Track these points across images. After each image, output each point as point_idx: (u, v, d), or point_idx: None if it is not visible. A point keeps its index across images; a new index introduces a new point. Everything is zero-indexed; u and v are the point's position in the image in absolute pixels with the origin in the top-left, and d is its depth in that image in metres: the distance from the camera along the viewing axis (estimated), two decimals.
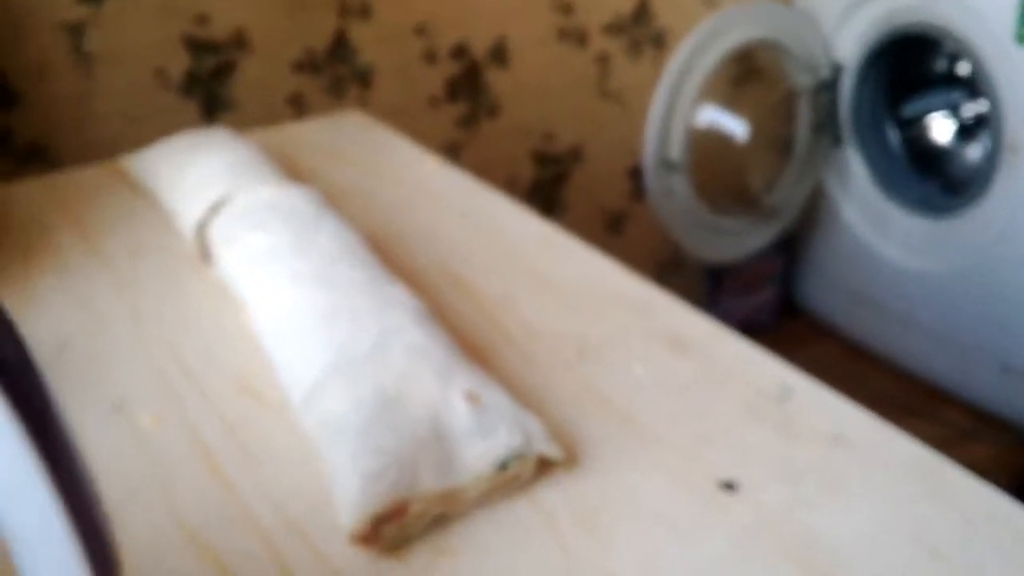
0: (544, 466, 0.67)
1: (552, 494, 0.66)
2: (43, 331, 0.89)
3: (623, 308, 0.84)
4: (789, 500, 0.65)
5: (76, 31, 1.70)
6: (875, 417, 0.72)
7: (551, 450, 0.66)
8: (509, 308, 0.85)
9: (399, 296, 0.75)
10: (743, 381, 0.75)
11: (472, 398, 0.66)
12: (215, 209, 0.92)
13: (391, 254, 0.95)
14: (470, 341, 0.80)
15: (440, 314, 0.83)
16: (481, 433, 0.65)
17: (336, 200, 1.09)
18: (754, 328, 2.43)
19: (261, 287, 0.80)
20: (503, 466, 0.65)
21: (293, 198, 0.90)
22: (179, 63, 1.78)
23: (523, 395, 0.73)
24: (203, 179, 0.98)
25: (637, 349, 0.78)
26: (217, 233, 0.90)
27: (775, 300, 2.45)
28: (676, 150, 2.04)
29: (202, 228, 0.93)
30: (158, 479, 0.70)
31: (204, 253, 0.94)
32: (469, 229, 1.00)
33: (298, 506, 0.66)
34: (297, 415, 0.69)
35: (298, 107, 1.90)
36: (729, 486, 0.66)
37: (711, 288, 2.38)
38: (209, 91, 1.82)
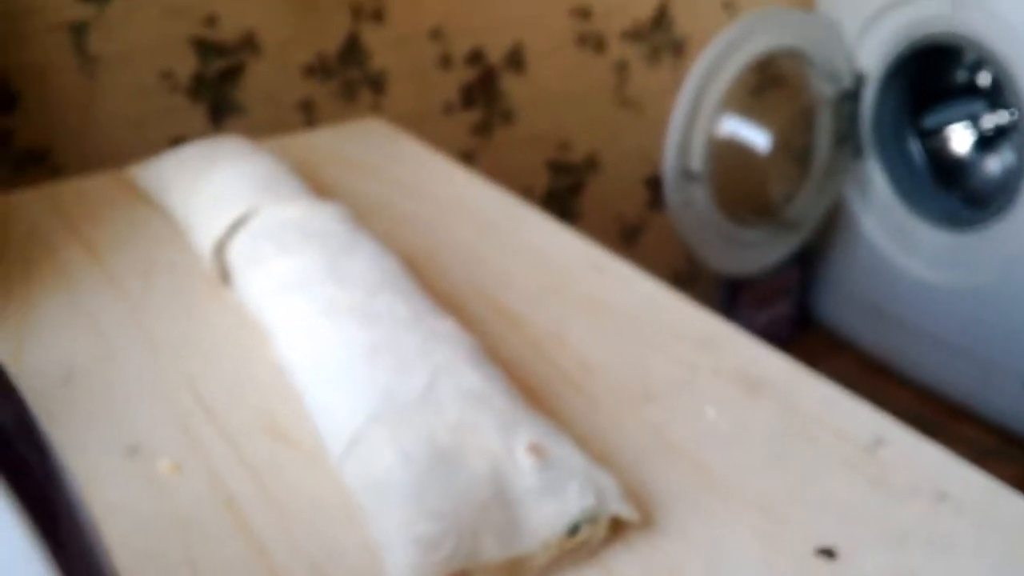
0: (616, 527, 0.59)
1: (626, 560, 0.57)
2: (48, 358, 0.80)
3: (687, 343, 0.75)
4: (895, 568, 0.57)
5: (79, 31, 1.61)
6: (980, 471, 0.63)
7: (626, 510, 0.58)
8: (561, 341, 0.76)
9: (449, 331, 0.66)
10: (828, 427, 0.66)
11: (538, 452, 0.57)
12: (236, 226, 0.83)
13: (428, 279, 0.86)
14: (522, 380, 0.71)
15: (483, 344, 0.75)
16: (549, 492, 0.56)
17: (363, 217, 1.00)
18: (771, 341, 2.34)
19: (291, 318, 0.71)
20: (574, 530, 0.56)
21: (323, 216, 0.81)
22: (186, 65, 1.70)
23: (587, 443, 0.64)
24: (221, 193, 0.89)
25: (707, 390, 0.70)
26: (238, 253, 0.82)
27: (792, 313, 2.36)
28: (697, 160, 1.96)
29: (221, 247, 0.84)
30: (177, 534, 0.61)
31: (223, 274, 0.85)
32: (511, 251, 0.92)
33: (338, 571, 0.58)
34: (336, 467, 0.61)
35: (308, 112, 1.81)
36: (828, 553, 0.58)
37: (727, 301, 2.29)
38: (217, 94, 1.73)
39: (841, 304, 2.32)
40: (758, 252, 2.15)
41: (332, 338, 0.66)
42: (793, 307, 2.36)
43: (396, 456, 0.57)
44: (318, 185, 1.09)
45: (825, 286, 2.36)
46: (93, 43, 1.62)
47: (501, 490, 0.56)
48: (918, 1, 1.92)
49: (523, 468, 0.57)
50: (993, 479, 0.63)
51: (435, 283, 0.86)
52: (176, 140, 1.71)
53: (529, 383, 0.72)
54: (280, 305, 0.73)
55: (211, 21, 1.69)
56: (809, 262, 2.37)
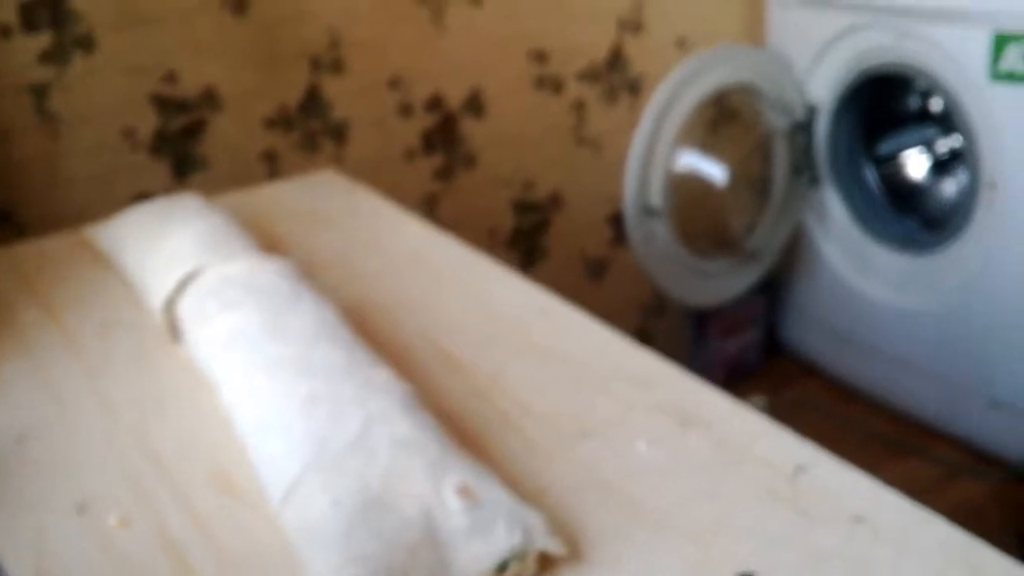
0: (546, 563, 0.61)
1: None
2: (3, 420, 0.82)
3: (625, 382, 0.78)
4: None
5: (41, 92, 1.64)
6: (899, 495, 0.66)
7: (553, 546, 0.60)
8: (503, 386, 0.79)
9: (384, 380, 0.69)
10: (754, 457, 0.69)
11: (466, 493, 0.60)
12: (184, 285, 0.86)
13: (375, 328, 0.89)
14: (462, 423, 0.74)
15: (430, 394, 0.77)
16: (478, 532, 0.58)
17: (314, 270, 1.03)
18: (740, 369, 2.38)
19: (233, 374, 0.73)
20: (503, 567, 0.58)
21: (267, 272, 0.84)
22: (148, 122, 1.73)
23: (521, 482, 0.67)
24: (172, 253, 0.92)
25: (641, 425, 0.72)
26: (186, 311, 0.84)
27: (760, 341, 2.40)
28: (656, 196, 1.99)
29: (171, 305, 0.87)
30: None
31: (174, 331, 0.87)
32: (458, 298, 0.94)
33: None
34: (276, 515, 0.63)
35: (271, 163, 1.84)
36: None
37: (696, 331, 2.33)
38: (179, 150, 1.76)
39: (808, 330, 2.36)
40: (722, 283, 2.19)
41: (271, 391, 0.69)
42: (761, 334, 2.40)
43: (328, 503, 0.59)
44: (272, 239, 1.12)
45: (791, 313, 2.39)
46: (55, 103, 1.65)
47: (431, 532, 0.58)
48: (863, 33, 1.97)
49: (452, 509, 0.59)
50: (913, 502, 0.65)
51: (384, 333, 0.88)
52: (140, 196, 1.73)
53: (469, 426, 0.74)
54: (223, 361, 0.75)
55: (171, 78, 1.72)
56: (774, 290, 2.40)
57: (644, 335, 2.36)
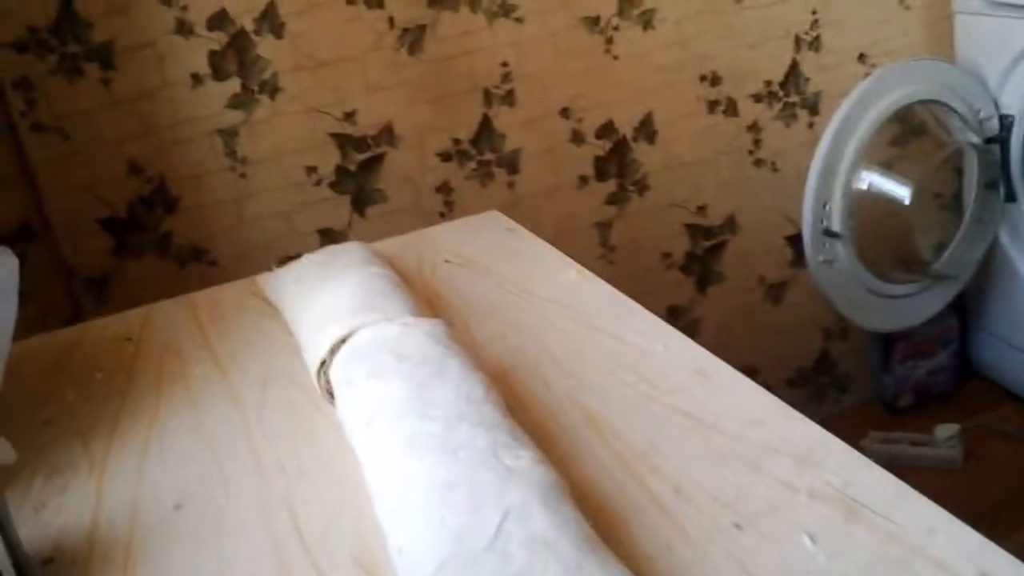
0: None
1: None
2: (166, 481, 0.81)
3: (787, 458, 0.70)
4: None
5: (230, 135, 1.67)
6: None
7: None
8: (654, 460, 0.72)
9: (525, 467, 0.63)
10: (929, 558, 0.60)
11: None
12: (336, 347, 0.83)
13: (522, 390, 0.84)
14: (607, 506, 0.67)
15: (575, 468, 0.71)
16: None
17: (468, 322, 0.99)
18: (931, 394, 2.20)
19: (375, 450, 0.69)
20: None
21: (417, 336, 0.80)
22: (329, 159, 1.74)
23: None
24: (328, 310, 0.89)
25: (802, 515, 0.64)
26: (337, 376, 0.81)
27: (952, 364, 2.21)
28: (837, 218, 1.86)
29: (324, 367, 0.84)
30: None
31: (327, 392, 0.85)
32: (612, 356, 0.88)
33: None
34: None
35: (447, 194, 1.82)
36: None
37: (882, 355, 2.17)
38: (358, 185, 1.76)
39: (1003, 353, 2.16)
40: (909, 306, 2.03)
41: (410, 474, 0.64)
42: (953, 358, 2.21)
43: None
44: (431, 288, 1.08)
45: (985, 335, 2.20)
46: (242, 145, 1.68)
47: None
48: None
49: None
50: None
51: (531, 395, 0.83)
52: (323, 230, 1.75)
53: (616, 505, 0.68)
54: (365, 436, 0.71)
55: (350, 117, 1.72)
56: (967, 311, 2.22)
57: (826, 359, 2.22)
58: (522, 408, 0.80)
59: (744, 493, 0.67)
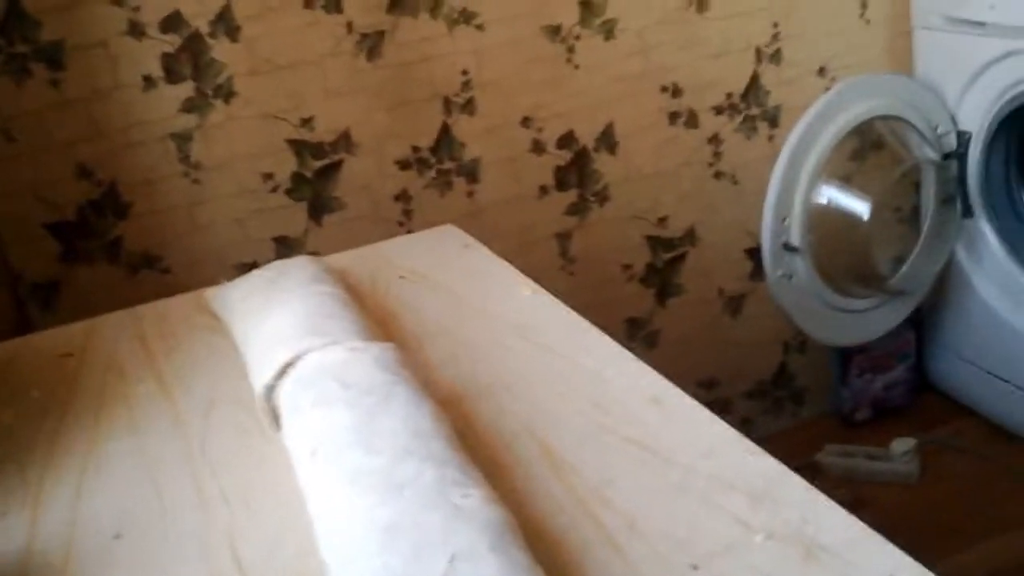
0: None
1: None
2: (103, 511, 0.78)
3: (742, 495, 0.68)
4: None
5: (183, 140, 1.63)
6: None
7: None
8: (607, 494, 0.70)
9: (474, 507, 0.61)
10: None
11: None
12: (283, 372, 0.80)
13: (474, 418, 0.81)
14: (559, 541, 0.65)
15: (527, 502, 0.69)
16: None
17: (419, 343, 0.96)
18: (887, 408, 2.21)
19: (319, 482, 0.67)
20: None
21: (364, 364, 0.77)
22: (285, 166, 1.71)
23: None
24: (276, 332, 0.87)
25: (757, 557, 0.62)
26: (283, 401, 0.78)
27: (909, 378, 2.22)
28: (796, 232, 1.86)
29: (270, 392, 0.81)
30: None
31: (272, 418, 0.82)
32: (566, 382, 0.86)
33: None
34: None
35: (405, 203, 1.80)
36: None
37: (840, 368, 2.17)
38: (315, 192, 1.73)
39: (959, 367, 2.17)
40: (868, 320, 2.03)
41: (352, 513, 0.62)
42: (910, 372, 2.22)
43: None
44: (383, 305, 1.06)
45: (941, 349, 2.21)
46: (196, 150, 1.65)
47: None
48: (1019, 56, 1.79)
49: None
50: None
51: (483, 424, 0.81)
52: (279, 237, 1.72)
53: (569, 542, 0.66)
54: (310, 468, 0.69)
55: (307, 123, 1.69)
56: (924, 326, 2.22)
57: (784, 372, 2.22)
58: (474, 436, 0.78)
59: (699, 531, 0.65)
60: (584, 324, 0.95)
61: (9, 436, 0.91)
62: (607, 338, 0.92)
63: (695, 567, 0.62)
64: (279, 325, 0.87)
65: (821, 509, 0.66)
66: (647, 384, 0.84)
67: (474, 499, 0.61)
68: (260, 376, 0.83)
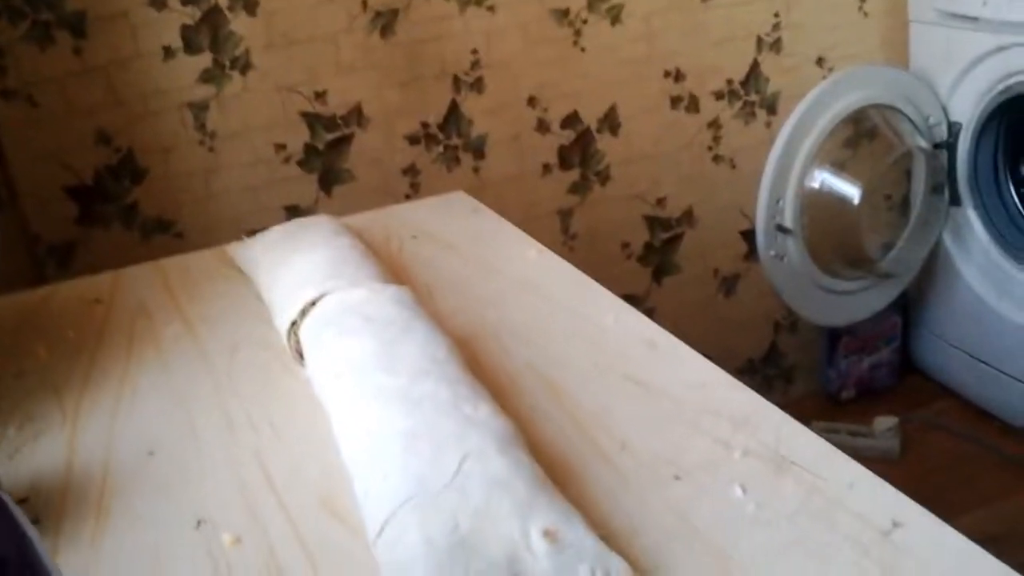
0: None
1: None
2: (136, 433, 0.85)
3: (725, 420, 0.76)
4: None
5: (200, 109, 1.70)
6: (1001, 563, 0.62)
7: None
8: (604, 421, 0.78)
9: (484, 417, 0.69)
10: (848, 510, 0.66)
11: (550, 535, 0.59)
12: (307, 310, 0.88)
13: (484, 357, 0.89)
14: (559, 457, 0.73)
15: (532, 426, 0.77)
16: (561, 575, 0.58)
17: (432, 294, 1.04)
18: (872, 388, 2.29)
19: (342, 402, 0.75)
20: None
21: (384, 301, 0.85)
22: (298, 138, 1.78)
23: (611, 522, 0.66)
24: (299, 276, 0.94)
25: (736, 470, 0.70)
26: (307, 336, 0.86)
27: (894, 360, 2.30)
28: (789, 214, 1.94)
29: (294, 329, 0.89)
30: None
31: (297, 353, 0.90)
32: (568, 328, 0.94)
33: None
34: (372, 549, 0.64)
35: (413, 177, 1.87)
36: None
37: (828, 348, 2.25)
38: (326, 164, 1.80)
39: (943, 350, 2.25)
40: (855, 302, 2.11)
41: (376, 423, 0.70)
42: (895, 353, 2.30)
43: (420, 541, 0.59)
44: (398, 262, 1.13)
45: (926, 333, 2.29)
46: (212, 120, 1.72)
47: (515, 574, 0.58)
48: (1010, 51, 1.86)
49: (537, 552, 0.58)
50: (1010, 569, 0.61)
51: (492, 362, 0.88)
52: (290, 207, 1.79)
53: (566, 461, 0.73)
54: (335, 388, 0.76)
55: (320, 97, 1.76)
56: (910, 309, 2.31)
57: (776, 351, 2.30)
58: (481, 371, 0.86)
59: (684, 450, 0.73)
60: (586, 280, 1.03)
61: (46, 368, 0.98)
62: (607, 292, 1.00)
63: (678, 477, 0.70)
64: (303, 270, 0.95)
65: (794, 432, 0.74)
66: (644, 329, 0.92)
67: (483, 411, 0.69)
68: (285, 314, 0.91)
